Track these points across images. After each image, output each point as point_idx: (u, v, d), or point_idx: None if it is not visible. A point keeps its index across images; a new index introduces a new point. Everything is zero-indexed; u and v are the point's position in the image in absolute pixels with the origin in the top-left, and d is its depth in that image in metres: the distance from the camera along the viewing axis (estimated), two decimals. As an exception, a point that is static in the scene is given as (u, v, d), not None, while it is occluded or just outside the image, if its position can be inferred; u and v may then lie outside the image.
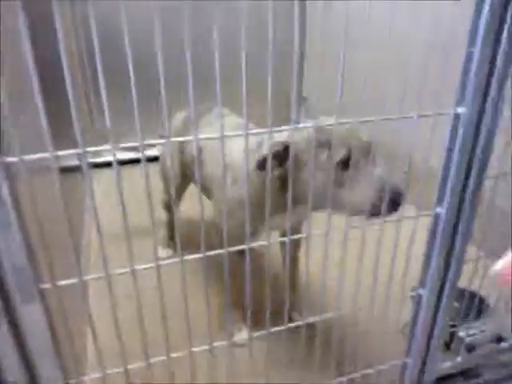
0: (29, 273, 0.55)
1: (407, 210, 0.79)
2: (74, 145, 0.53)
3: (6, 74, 0.48)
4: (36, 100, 0.49)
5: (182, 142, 1.29)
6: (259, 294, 0.75)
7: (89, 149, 0.53)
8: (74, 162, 1.74)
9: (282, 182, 0.94)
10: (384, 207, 0.77)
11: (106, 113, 0.53)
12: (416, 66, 0.65)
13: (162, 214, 1.73)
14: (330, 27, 0.56)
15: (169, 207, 1.72)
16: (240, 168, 1.02)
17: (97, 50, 0.50)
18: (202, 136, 0.56)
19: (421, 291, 0.83)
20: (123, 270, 0.61)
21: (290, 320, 0.75)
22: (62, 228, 0.57)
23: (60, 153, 0.52)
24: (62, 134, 1.39)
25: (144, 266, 0.61)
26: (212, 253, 0.63)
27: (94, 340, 0.63)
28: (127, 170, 1.31)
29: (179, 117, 1.50)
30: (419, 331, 0.87)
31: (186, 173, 1.48)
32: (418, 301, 0.84)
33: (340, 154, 0.87)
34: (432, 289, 0.82)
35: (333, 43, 0.63)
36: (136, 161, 0.52)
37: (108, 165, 0.56)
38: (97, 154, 0.56)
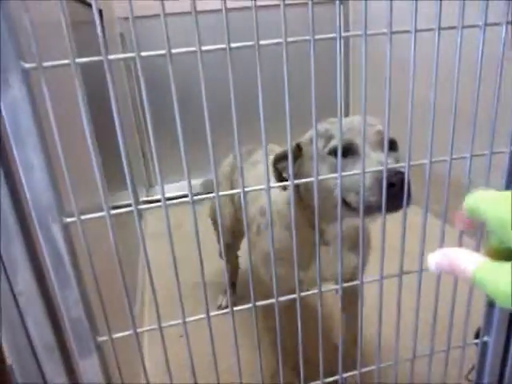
0: (86, 326, 0.57)
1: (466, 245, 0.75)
2: (126, 185, 0.54)
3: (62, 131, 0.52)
4: (91, 157, 0.52)
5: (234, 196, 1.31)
6: (311, 349, 0.73)
7: (142, 206, 0.55)
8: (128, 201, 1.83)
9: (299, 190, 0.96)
10: (383, 195, 0.62)
11: (157, 168, 0.54)
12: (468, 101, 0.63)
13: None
14: (374, 65, 0.56)
15: (230, 252, 1.69)
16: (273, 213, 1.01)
17: (145, 97, 0.52)
18: (248, 189, 0.56)
19: (486, 338, 0.77)
20: (175, 322, 0.62)
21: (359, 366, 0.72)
22: (116, 279, 0.59)
23: (115, 212, 0.54)
24: (114, 176, 1.46)
25: (194, 318, 0.61)
26: (261, 303, 0.63)
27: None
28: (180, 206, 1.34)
29: (226, 162, 1.53)
30: (486, 381, 0.81)
31: (239, 221, 1.48)
32: (482, 349, 0.79)
33: (334, 141, 0.86)
34: (498, 334, 0.77)
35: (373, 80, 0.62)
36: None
37: (159, 200, 0.57)
38: (152, 192, 0.58)
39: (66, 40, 0.44)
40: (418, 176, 0.67)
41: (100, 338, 0.58)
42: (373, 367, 0.73)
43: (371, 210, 0.74)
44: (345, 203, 0.84)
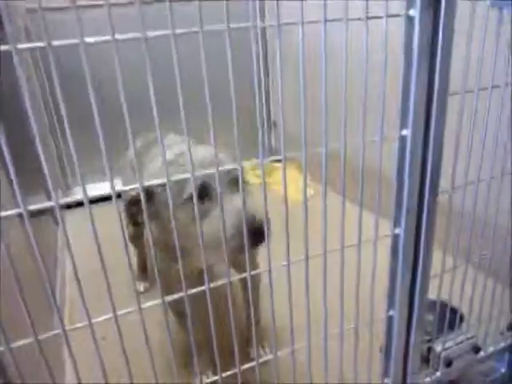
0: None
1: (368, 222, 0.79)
2: (42, 185, 0.52)
3: None
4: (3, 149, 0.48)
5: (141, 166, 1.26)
6: (220, 333, 0.74)
7: (61, 201, 0.53)
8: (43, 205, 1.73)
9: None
10: (246, 239, 0.65)
11: (75, 160, 0.52)
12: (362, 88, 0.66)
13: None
14: (289, 53, 0.57)
15: (135, 240, 1.69)
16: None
17: (58, 91, 0.49)
18: (147, 183, 0.56)
19: (391, 312, 0.83)
20: (105, 317, 0.60)
21: (257, 356, 0.74)
22: (36, 282, 0.56)
23: (32, 207, 0.51)
24: (29, 174, 1.37)
25: (127, 311, 0.60)
26: (171, 298, 0.63)
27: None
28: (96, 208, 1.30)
29: (133, 149, 1.49)
30: (394, 351, 0.87)
31: None
32: (389, 322, 0.84)
33: (189, 188, 0.84)
34: (401, 308, 0.83)
35: (292, 69, 0.64)
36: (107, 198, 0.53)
37: (78, 204, 0.55)
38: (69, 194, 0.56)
39: None
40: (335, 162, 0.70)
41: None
42: (288, 349, 0.76)
43: (236, 250, 0.80)
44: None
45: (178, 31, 0.51)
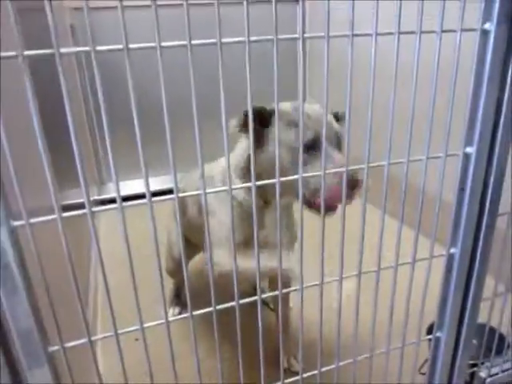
0: (37, 336, 0.54)
1: (421, 244, 0.77)
2: (77, 182, 0.51)
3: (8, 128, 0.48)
4: (42, 157, 0.48)
5: (183, 205, 1.27)
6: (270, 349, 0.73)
7: (96, 209, 0.53)
8: (78, 200, 1.75)
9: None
10: (343, 190, 0.67)
11: (112, 167, 0.52)
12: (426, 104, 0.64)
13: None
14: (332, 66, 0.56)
15: (173, 274, 1.62)
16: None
17: (100, 95, 0.49)
18: (210, 190, 0.55)
19: (438, 334, 0.80)
20: (132, 328, 0.59)
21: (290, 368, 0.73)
22: (68, 286, 0.56)
23: (66, 214, 0.51)
24: (64, 174, 1.39)
25: (153, 324, 0.59)
26: (222, 306, 0.62)
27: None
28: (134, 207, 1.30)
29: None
30: (438, 374, 0.84)
31: (192, 235, 1.42)
32: (435, 344, 0.82)
33: (308, 136, 0.92)
34: (450, 330, 0.80)
35: (335, 80, 0.63)
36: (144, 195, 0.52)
37: (112, 201, 0.54)
38: (104, 190, 0.55)
39: (13, 30, 0.41)
40: (376, 178, 0.68)
41: (51, 348, 0.55)
42: (332, 366, 0.74)
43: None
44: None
45: (225, 40, 0.50)
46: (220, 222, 1.03)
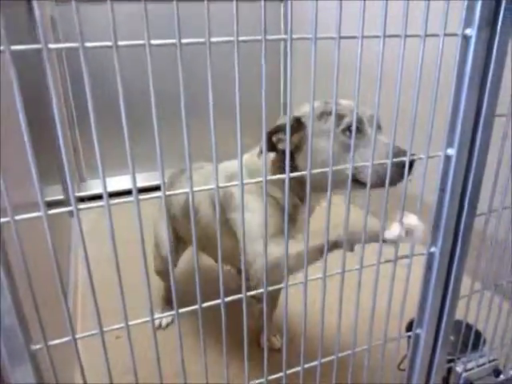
0: (19, 334, 0.53)
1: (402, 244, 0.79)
2: (58, 175, 0.51)
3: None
4: (28, 156, 0.48)
5: (168, 201, 1.26)
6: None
7: (81, 206, 0.52)
8: (59, 197, 1.72)
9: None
10: (393, 172, 0.70)
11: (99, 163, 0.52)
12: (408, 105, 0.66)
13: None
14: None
15: (162, 274, 1.57)
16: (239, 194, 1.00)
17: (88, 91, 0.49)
18: (196, 189, 0.55)
19: (418, 331, 0.82)
20: (117, 326, 0.59)
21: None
22: (49, 285, 0.55)
23: (52, 212, 0.51)
24: (42, 170, 1.38)
25: (138, 321, 0.59)
26: (207, 304, 0.62)
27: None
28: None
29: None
30: (417, 370, 0.86)
31: (178, 233, 1.43)
32: (415, 341, 0.84)
33: (347, 119, 0.90)
34: (429, 327, 0.82)
35: (320, 80, 0.64)
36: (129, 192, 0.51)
37: (93, 198, 0.53)
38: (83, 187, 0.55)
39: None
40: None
41: (34, 347, 0.55)
42: (315, 363, 0.75)
43: (380, 184, 0.81)
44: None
45: (213, 39, 0.50)
46: (254, 214, 1.00)
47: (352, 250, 0.80)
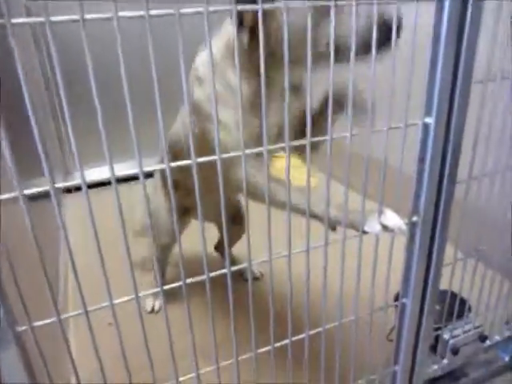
0: (2, 315, 0.53)
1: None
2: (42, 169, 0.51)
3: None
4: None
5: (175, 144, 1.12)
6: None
7: (59, 185, 0.52)
8: (44, 188, 1.70)
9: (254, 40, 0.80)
10: (377, 36, 0.61)
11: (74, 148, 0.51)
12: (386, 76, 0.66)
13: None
14: None
15: (161, 261, 1.47)
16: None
17: (59, 77, 0.48)
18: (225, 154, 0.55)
19: (404, 300, 0.83)
20: (102, 305, 0.59)
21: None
22: (35, 264, 0.55)
23: (28, 191, 0.50)
24: (28, 158, 1.35)
25: (123, 300, 0.59)
26: (192, 280, 0.62)
27: (76, 378, 0.61)
28: (100, 192, 1.26)
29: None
30: (405, 339, 0.87)
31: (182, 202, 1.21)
32: (401, 310, 0.85)
33: None
34: (414, 296, 0.83)
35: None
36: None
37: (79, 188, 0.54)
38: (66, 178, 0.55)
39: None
40: (337, 150, 0.69)
41: (19, 328, 0.55)
42: (303, 335, 0.76)
43: (365, 49, 0.68)
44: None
45: (183, 11, 0.49)
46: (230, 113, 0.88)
47: (334, 229, 0.79)
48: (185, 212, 1.36)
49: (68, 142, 2.48)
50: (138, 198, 1.04)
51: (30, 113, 0.48)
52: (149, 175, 0.55)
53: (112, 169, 0.53)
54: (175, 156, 1.12)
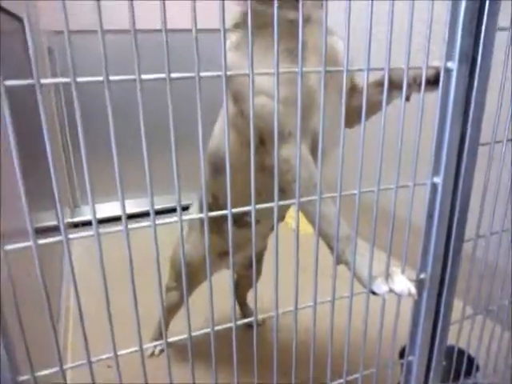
0: (6, 365, 0.53)
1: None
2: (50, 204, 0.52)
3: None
4: (19, 184, 0.49)
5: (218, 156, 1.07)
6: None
7: (72, 236, 0.53)
8: (51, 222, 1.71)
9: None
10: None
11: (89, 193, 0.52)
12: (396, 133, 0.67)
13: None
14: None
15: (176, 307, 1.36)
16: None
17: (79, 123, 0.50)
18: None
19: (410, 358, 0.82)
20: (104, 356, 0.59)
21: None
22: (38, 314, 0.55)
23: (42, 241, 0.51)
24: (35, 195, 1.38)
25: (127, 351, 0.59)
26: (197, 333, 0.62)
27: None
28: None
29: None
30: (411, 398, 0.85)
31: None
32: (408, 367, 0.83)
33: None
34: (421, 354, 0.82)
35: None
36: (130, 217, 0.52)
37: (87, 224, 0.54)
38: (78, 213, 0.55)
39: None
40: (348, 205, 0.70)
41: (21, 378, 0.54)
42: (306, 391, 0.75)
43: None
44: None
45: (202, 74, 0.51)
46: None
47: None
48: (220, 256, 1.22)
49: (77, 175, 2.53)
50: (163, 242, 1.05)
51: (50, 161, 0.50)
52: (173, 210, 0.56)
53: (124, 207, 0.53)
54: (216, 170, 1.08)
